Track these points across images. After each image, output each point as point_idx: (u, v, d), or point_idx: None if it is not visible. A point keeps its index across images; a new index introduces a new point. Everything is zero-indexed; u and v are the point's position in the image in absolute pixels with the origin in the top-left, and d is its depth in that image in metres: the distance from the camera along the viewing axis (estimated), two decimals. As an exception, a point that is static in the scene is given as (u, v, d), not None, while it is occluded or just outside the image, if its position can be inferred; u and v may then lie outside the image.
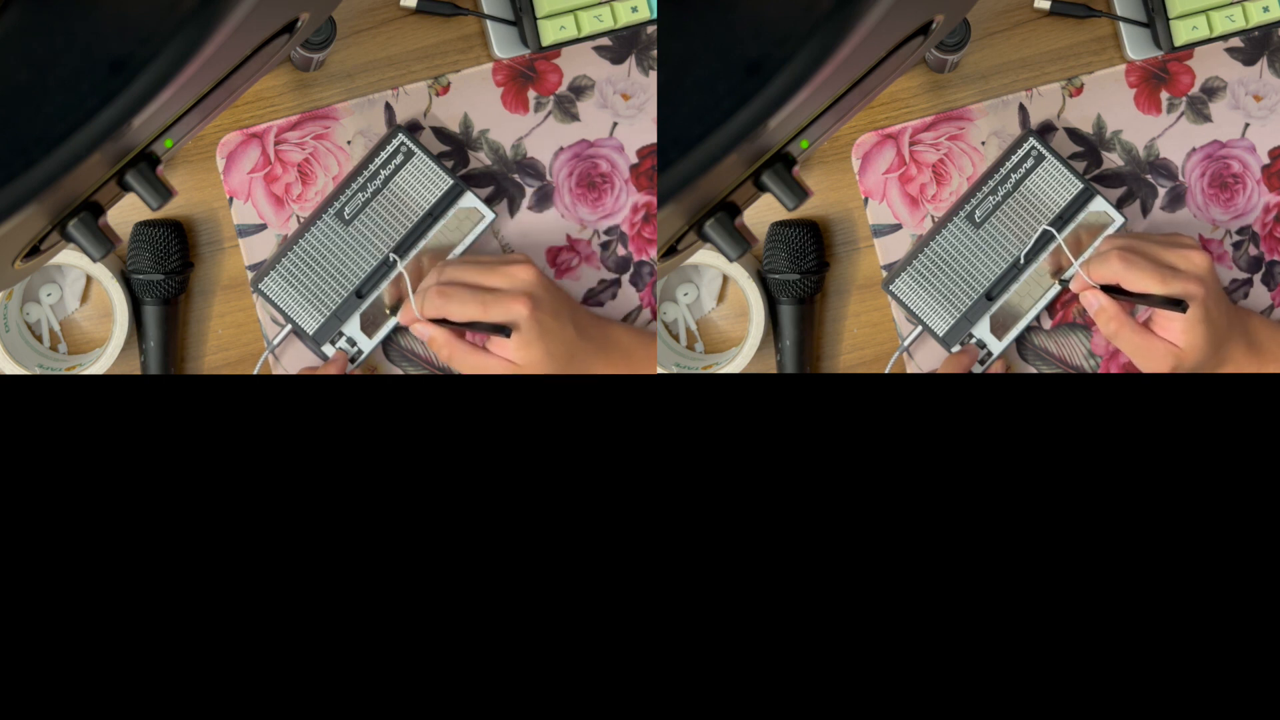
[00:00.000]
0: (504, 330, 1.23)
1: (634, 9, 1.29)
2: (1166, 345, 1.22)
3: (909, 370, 1.30)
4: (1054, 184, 1.28)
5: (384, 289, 1.28)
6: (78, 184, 1.08)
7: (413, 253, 1.28)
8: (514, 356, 1.23)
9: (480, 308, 1.23)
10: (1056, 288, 1.28)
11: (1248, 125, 1.30)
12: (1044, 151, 1.28)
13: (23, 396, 1.20)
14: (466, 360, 1.24)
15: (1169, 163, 1.30)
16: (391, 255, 1.26)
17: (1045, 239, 1.27)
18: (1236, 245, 1.30)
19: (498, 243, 1.30)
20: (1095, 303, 1.23)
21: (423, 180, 1.28)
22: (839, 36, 1.08)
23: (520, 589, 1.19)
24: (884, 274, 1.30)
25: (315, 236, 1.28)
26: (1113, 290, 1.23)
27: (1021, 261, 1.28)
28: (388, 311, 1.28)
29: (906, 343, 1.30)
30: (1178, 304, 1.20)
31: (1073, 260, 1.26)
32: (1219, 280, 1.24)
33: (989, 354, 1.29)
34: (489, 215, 1.28)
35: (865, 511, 1.19)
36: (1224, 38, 1.29)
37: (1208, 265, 1.22)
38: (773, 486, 1.20)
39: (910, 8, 1.10)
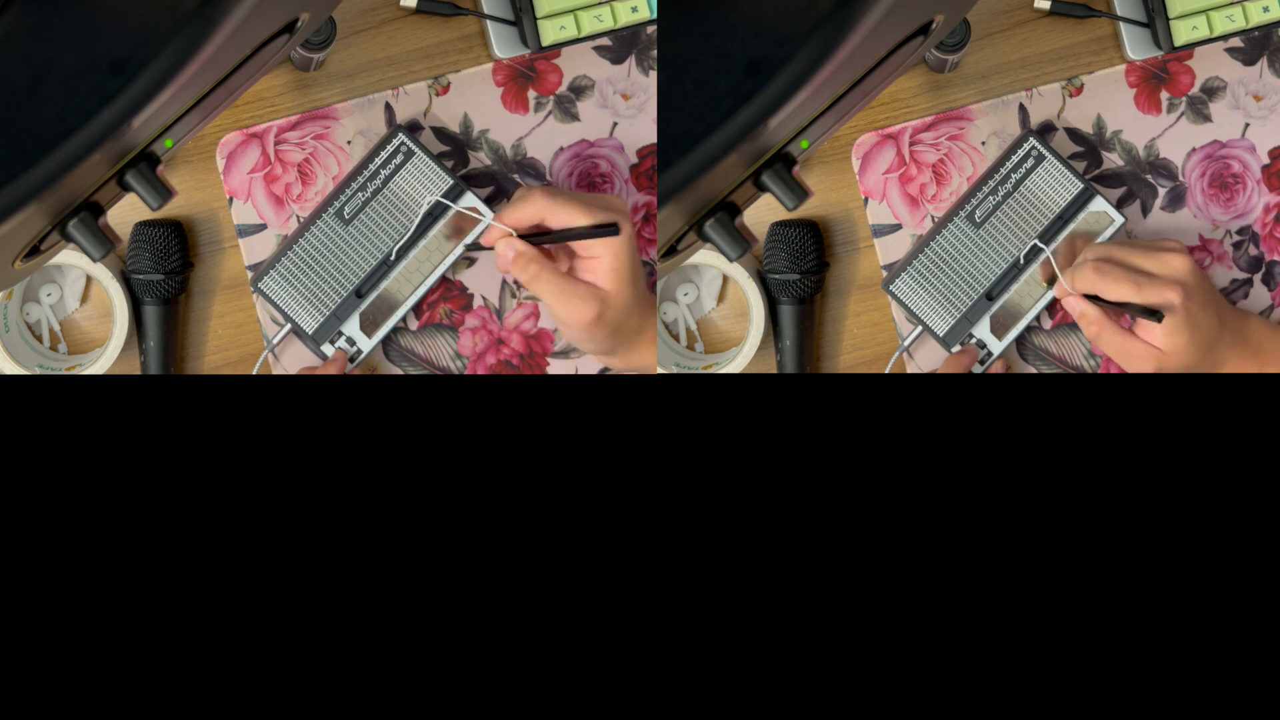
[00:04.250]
0: (612, 229, 1.20)
1: (634, 9, 1.29)
2: (1148, 348, 1.22)
3: (909, 370, 1.30)
4: (1054, 184, 1.28)
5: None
6: (78, 184, 1.08)
7: (412, 253, 1.28)
8: (605, 282, 1.20)
9: (585, 211, 1.21)
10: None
11: (1248, 125, 1.30)
12: (1044, 151, 1.28)
13: (23, 396, 1.20)
14: (552, 283, 1.21)
15: (1169, 163, 1.30)
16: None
17: (1045, 237, 1.28)
18: (1236, 245, 1.30)
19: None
20: (1077, 308, 1.23)
21: (423, 180, 1.28)
22: (839, 36, 1.08)
23: (520, 589, 1.19)
24: (884, 274, 1.30)
25: (315, 236, 1.28)
26: (1094, 299, 1.23)
27: (1021, 262, 1.28)
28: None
29: (906, 343, 1.30)
30: (1154, 314, 1.20)
31: (1057, 270, 1.26)
32: (1205, 281, 1.23)
33: (989, 354, 1.29)
34: (489, 215, 1.28)
35: (865, 511, 1.19)
36: (1224, 38, 1.29)
37: (1187, 268, 1.22)
38: (773, 486, 1.20)
39: (910, 8, 1.10)
